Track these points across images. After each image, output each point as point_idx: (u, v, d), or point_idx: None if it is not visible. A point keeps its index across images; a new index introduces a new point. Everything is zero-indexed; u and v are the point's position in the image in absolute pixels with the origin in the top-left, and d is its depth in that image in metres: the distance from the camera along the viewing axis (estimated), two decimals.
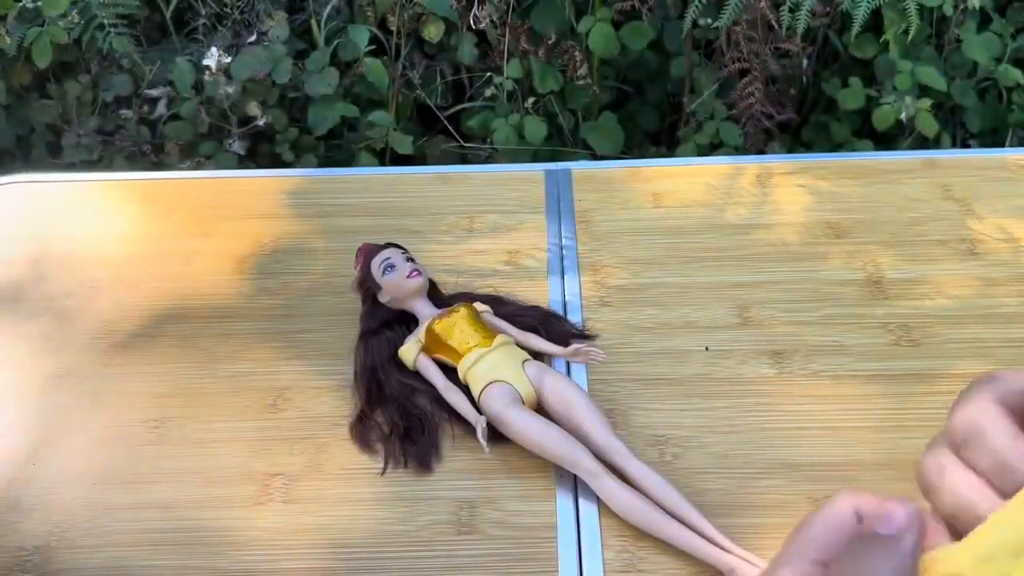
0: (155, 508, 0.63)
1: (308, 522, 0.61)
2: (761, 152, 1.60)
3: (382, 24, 1.63)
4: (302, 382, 0.71)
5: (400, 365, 0.70)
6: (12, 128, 1.68)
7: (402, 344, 0.70)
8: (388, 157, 1.61)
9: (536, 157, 1.56)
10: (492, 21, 1.53)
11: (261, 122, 1.56)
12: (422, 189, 0.89)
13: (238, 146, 1.58)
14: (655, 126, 1.72)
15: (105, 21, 1.54)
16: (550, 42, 1.54)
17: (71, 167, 1.61)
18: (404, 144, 1.56)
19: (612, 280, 0.78)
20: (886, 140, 1.62)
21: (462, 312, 0.69)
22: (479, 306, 0.71)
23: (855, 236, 0.82)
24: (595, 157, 1.56)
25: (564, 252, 0.81)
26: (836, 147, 1.61)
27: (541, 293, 0.77)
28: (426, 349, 0.69)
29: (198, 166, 1.58)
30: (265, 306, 0.78)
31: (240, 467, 0.65)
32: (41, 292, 0.80)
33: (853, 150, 1.58)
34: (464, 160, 1.65)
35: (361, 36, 1.56)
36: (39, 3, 1.52)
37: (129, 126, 1.62)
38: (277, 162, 1.61)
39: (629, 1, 1.51)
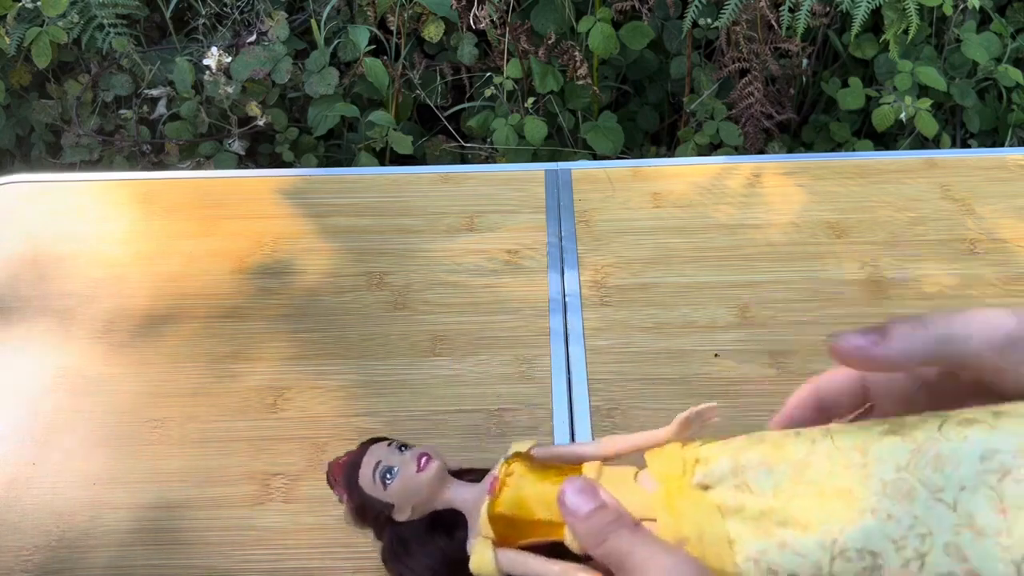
0: (155, 508, 0.63)
1: (309, 522, 0.61)
2: (761, 152, 1.60)
3: (382, 24, 1.63)
4: (302, 382, 0.71)
5: None
6: (12, 128, 1.68)
7: (459, 550, 0.48)
8: (388, 157, 1.61)
9: (536, 157, 1.56)
10: (492, 21, 1.53)
11: (261, 122, 1.56)
12: (422, 189, 0.89)
13: (238, 146, 1.58)
14: (655, 126, 1.72)
15: (105, 21, 1.54)
16: (550, 42, 1.54)
17: (71, 167, 1.61)
18: (404, 144, 1.56)
19: (612, 280, 0.78)
20: (886, 140, 1.62)
21: (518, 470, 0.46)
22: (521, 445, 0.48)
23: (855, 236, 0.82)
24: (595, 157, 1.56)
25: (564, 252, 0.81)
26: (836, 147, 1.61)
27: (541, 293, 0.77)
28: (502, 542, 0.45)
29: (198, 166, 1.58)
30: (265, 306, 0.78)
31: (240, 467, 0.65)
32: (41, 292, 0.80)
33: (853, 150, 1.58)
34: (464, 160, 1.65)
35: (361, 36, 1.56)
36: (38, 3, 1.52)
37: (129, 126, 1.62)
38: (277, 162, 1.61)
39: (629, 1, 1.51)
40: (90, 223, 0.87)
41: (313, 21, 1.59)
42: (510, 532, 0.45)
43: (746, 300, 0.76)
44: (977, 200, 0.85)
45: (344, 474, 0.52)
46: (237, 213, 0.87)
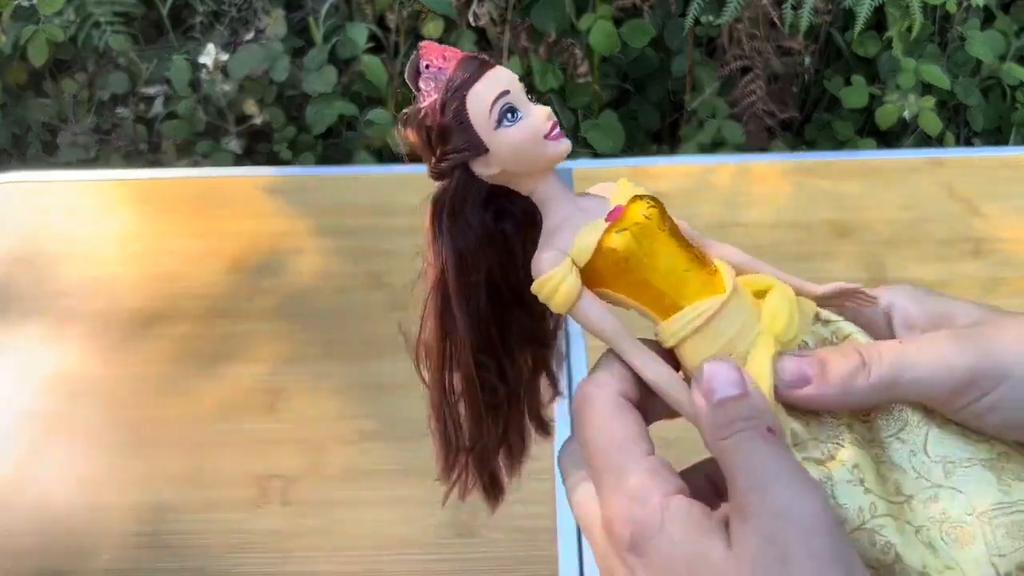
0: (153, 510, 0.62)
1: (307, 524, 0.61)
2: (763, 151, 1.59)
3: (381, 21, 1.62)
4: (300, 383, 0.70)
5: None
6: (8, 127, 1.67)
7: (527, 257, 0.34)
8: (387, 155, 1.60)
9: None
10: (492, 18, 1.52)
11: (258, 120, 1.56)
12: (421, 188, 0.88)
13: (235, 145, 1.57)
14: (656, 124, 1.71)
15: (101, 19, 1.53)
16: (550, 40, 1.53)
17: (67, 166, 1.60)
18: None
19: None
20: (889, 138, 1.61)
21: (654, 217, 0.34)
22: (637, 189, 0.37)
23: (858, 235, 0.81)
24: (596, 155, 1.55)
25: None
26: (839, 145, 1.60)
27: None
28: (587, 280, 0.33)
29: (195, 165, 1.57)
30: (264, 306, 0.77)
31: (238, 469, 0.64)
32: (38, 292, 0.79)
33: (856, 148, 1.58)
34: None
35: (359, 34, 1.55)
36: (35, 1, 1.51)
37: (126, 125, 1.61)
38: (274, 161, 1.60)
39: None
40: (86, 222, 0.86)
41: (311, 19, 1.58)
42: (604, 275, 0.33)
43: None
44: (982, 199, 0.84)
45: (458, 69, 0.33)
46: (234, 212, 0.86)
